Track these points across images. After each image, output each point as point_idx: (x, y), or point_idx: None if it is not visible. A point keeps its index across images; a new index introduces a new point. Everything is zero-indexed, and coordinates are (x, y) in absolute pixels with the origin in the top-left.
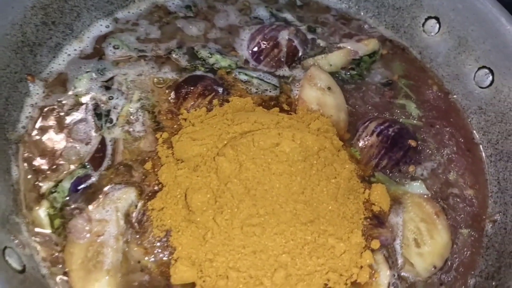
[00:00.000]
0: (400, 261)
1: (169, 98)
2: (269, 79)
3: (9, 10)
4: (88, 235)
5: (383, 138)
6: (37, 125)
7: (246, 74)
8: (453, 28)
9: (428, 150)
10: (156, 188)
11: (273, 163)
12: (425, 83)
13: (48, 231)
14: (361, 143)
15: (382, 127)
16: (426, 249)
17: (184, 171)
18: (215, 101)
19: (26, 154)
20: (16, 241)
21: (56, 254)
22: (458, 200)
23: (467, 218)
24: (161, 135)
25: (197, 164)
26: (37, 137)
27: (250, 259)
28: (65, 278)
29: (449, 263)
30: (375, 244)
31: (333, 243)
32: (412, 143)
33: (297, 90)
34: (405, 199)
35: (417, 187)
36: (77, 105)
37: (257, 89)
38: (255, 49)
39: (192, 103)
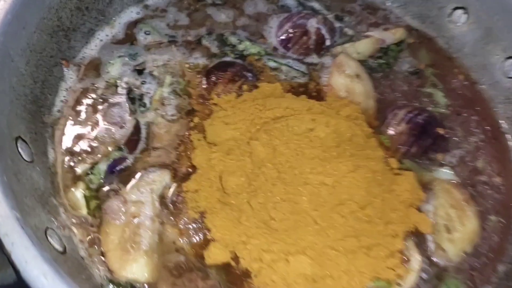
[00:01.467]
0: (431, 246)
1: (200, 83)
2: (297, 66)
3: None
4: (123, 217)
5: (412, 126)
6: (72, 108)
7: (275, 61)
8: (480, 18)
9: (455, 138)
10: (190, 170)
11: (307, 148)
12: (452, 72)
13: (84, 213)
14: (390, 130)
15: (411, 115)
16: (456, 235)
17: (218, 154)
18: (244, 87)
19: (62, 137)
20: (56, 223)
21: (92, 235)
22: (486, 187)
23: (495, 205)
24: (192, 120)
25: (231, 147)
26: (72, 121)
27: (283, 242)
28: (103, 258)
29: (479, 249)
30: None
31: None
32: (441, 131)
33: (326, 77)
34: (435, 185)
35: (446, 174)
36: (110, 89)
37: (286, 75)
38: (284, 36)
39: (222, 88)
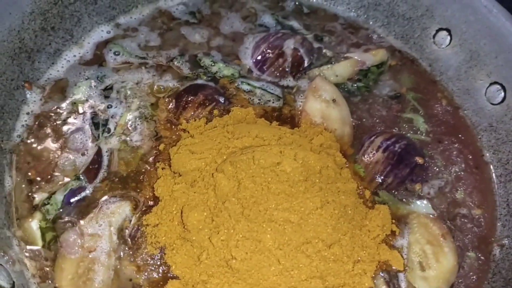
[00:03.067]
0: (403, 285)
1: (169, 107)
2: (272, 89)
3: (7, 16)
4: (80, 250)
5: (389, 154)
6: (33, 134)
7: (248, 84)
8: (465, 41)
9: (435, 167)
10: (151, 202)
11: (273, 183)
12: (434, 97)
13: (39, 246)
14: (366, 159)
15: (388, 142)
16: (431, 273)
17: (181, 186)
18: (215, 111)
19: (20, 164)
20: (6, 257)
21: (46, 269)
22: (466, 220)
23: (474, 240)
24: (158, 146)
25: (195, 179)
26: (32, 146)
27: (245, 282)
28: None
29: None
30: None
31: (334, 269)
32: (419, 160)
33: (301, 102)
34: (411, 219)
35: (424, 207)
36: (74, 113)
37: (259, 99)
38: (259, 57)
39: (192, 113)
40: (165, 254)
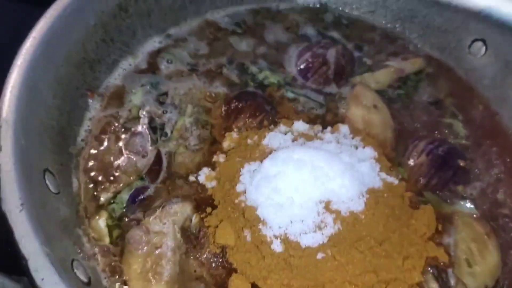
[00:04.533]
0: (452, 280)
1: (221, 114)
2: (315, 96)
3: (74, 28)
4: (146, 247)
5: (433, 157)
6: (95, 138)
7: (293, 92)
8: (500, 51)
9: (476, 170)
10: (212, 201)
11: None
12: (471, 103)
13: (106, 242)
14: (410, 162)
15: (431, 146)
16: (477, 269)
17: (233, 191)
18: (265, 122)
19: (85, 166)
20: (81, 254)
21: (115, 264)
22: (507, 220)
23: None
24: (216, 151)
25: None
26: (96, 150)
27: (303, 277)
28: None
29: (500, 283)
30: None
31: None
32: (462, 163)
33: (343, 109)
34: (456, 219)
35: (467, 207)
36: (132, 118)
37: (303, 107)
38: (303, 66)
39: (242, 123)
40: (227, 252)
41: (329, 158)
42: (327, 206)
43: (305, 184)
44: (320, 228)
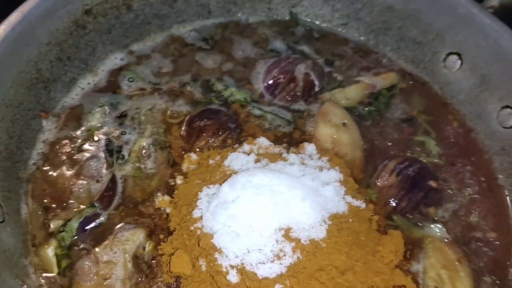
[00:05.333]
0: None
1: (182, 134)
2: (283, 114)
3: (24, 48)
4: (95, 277)
5: (403, 178)
6: (49, 161)
7: (259, 109)
8: (476, 65)
9: (449, 191)
10: (167, 227)
11: None
12: (445, 120)
13: (54, 272)
14: (379, 183)
15: (401, 166)
16: None
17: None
18: (229, 141)
19: (36, 192)
20: (25, 286)
21: None
22: (481, 244)
23: (490, 264)
24: (173, 174)
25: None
26: (48, 174)
27: None
28: None
29: None
30: None
31: None
32: (433, 183)
33: (312, 127)
34: (426, 243)
35: (438, 231)
36: (89, 140)
37: (270, 124)
38: (271, 82)
39: (204, 142)
40: (180, 283)
41: (290, 182)
42: (287, 234)
43: (263, 210)
44: (278, 258)
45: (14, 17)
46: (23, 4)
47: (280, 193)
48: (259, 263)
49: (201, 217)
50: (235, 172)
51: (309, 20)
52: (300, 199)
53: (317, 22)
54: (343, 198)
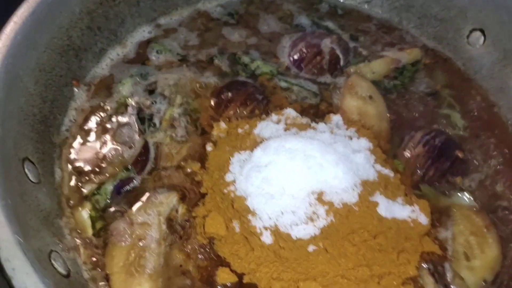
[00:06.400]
0: (449, 274)
1: (211, 104)
2: (309, 86)
3: (57, 15)
4: (129, 239)
5: (429, 148)
6: (81, 128)
7: (286, 81)
8: (499, 40)
9: (474, 161)
10: (199, 192)
11: None
12: (469, 94)
13: (89, 234)
14: (406, 153)
15: (428, 137)
16: (476, 263)
17: (223, 181)
18: (256, 111)
19: (69, 156)
20: (61, 245)
21: (97, 257)
22: (507, 212)
23: None
24: (204, 141)
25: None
26: (81, 140)
27: (294, 270)
28: (107, 281)
29: (500, 278)
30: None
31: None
32: (459, 153)
33: (338, 99)
34: (454, 211)
35: (466, 199)
36: (120, 109)
37: (296, 96)
38: (297, 56)
39: (233, 112)
40: (214, 244)
41: (322, 148)
42: (320, 197)
43: (297, 174)
44: (312, 220)
45: None
46: None
47: (313, 158)
48: (293, 224)
49: (234, 181)
50: (266, 139)
51: None
52: (333, 163)
53: (341, 0)
54: (373, 166)
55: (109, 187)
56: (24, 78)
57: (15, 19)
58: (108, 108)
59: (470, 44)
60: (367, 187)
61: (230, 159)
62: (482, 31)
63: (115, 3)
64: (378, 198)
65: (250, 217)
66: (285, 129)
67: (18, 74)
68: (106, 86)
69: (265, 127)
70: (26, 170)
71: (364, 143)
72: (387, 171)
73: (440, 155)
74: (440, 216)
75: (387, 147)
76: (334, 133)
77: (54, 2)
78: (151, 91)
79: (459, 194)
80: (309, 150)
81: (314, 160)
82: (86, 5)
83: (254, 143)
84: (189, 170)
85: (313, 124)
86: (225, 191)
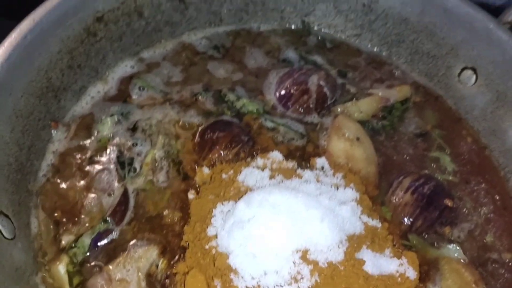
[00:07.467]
0: None
1: (194, 146)
2: (296, 126)
3: (36, 57)
4: None
5: (418, 196)
6: (59, 173)
7: (272, 121)
8: (492, 81)
9: (464, 209)
10: (179, 244)
11: None
12: (460, 135)
13: None
14: (394, 200)
15: (417, 183)
16: None
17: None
18: (242, 154)
19: (46, 205)
20: None
21: None
22: (497, 265)
23: (506, 286)
24: (185, 188)
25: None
26: (58, 186)
27: None
28: None
29: None
30: None
31: None
32: (449, 202)
33: (325, 141)
34: (442, 264)
35: (454, 251)
36: (100, 151)
37: (283, 137)
38: (283, 93)
39: (217, 155)
40: None
41: (307, 201)
42: (304, 255)
43: (280, 230)
44: (296, 280)
45: (25, 24)
46: (34, 11)
47: (298, 213)
48: (276, 285)
49: (215, 236)
50: (250, 189)
51: (321, 29)
52: (319, 219)
53: (329, 32)
54: (360, 217)
55: (87, 240)
56: (0, 126)
57: None
58: (88, 150)
59: (461, 83)
60: (353, 243)
61: (212, 210)
62: (474, 69)
63: (97, 40)
64: (365, 253)
65: (232, 276)
66: (270, 177)
67: None
68: (85, 126)
69: (250, 174)
70: (0, 227)
71: (350, 193)
72: (374, 222)
73: (429, 203)
74: (428, 269)
75: (375, 193)
76: (320, 181)
77: (32, 44)
78: (132, 132)
79: (448, 246)
80: (294, 204)
81: (298, 216)
82: (67, 45)
83: (238, 192)
84: (169, 220)
85: (299, 171)
86: (207, 246)
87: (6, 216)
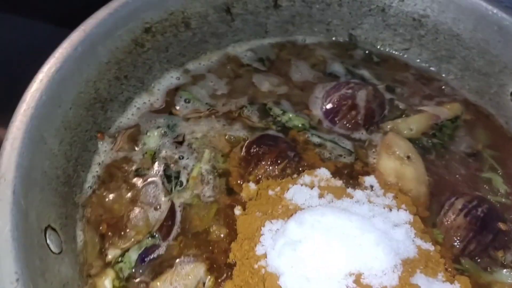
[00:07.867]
0: None
1: (240, 161)
2: (343, 143)
3: (85, 68)
4: None
5: (471, 219)
6: (105, 185)
7: (319, 137)
8: None
9: None
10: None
11: None
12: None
13: None
14: (446, 223)
15: (470, 205)
16: None
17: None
18: (288, 170)
19: (92, 218)
20: None
21: None
22: None
23: None
24: (233, 204)
25: None
26: (104, 199)
27: None
28: None
29: None
30: None
31: None
32: (502, 226)
33: (374, 158)
34: None
35: (508, 276)
36: (146, 164)
37: (330, 153)
38: (330, 108)
39: (263, 171)
40: None
41: (361, 225)
42: (358, 280)
43: (334, 254)
44: None
45: (76, 36)
46: (84, 22)
47: (352, 237)
48: None
49: (265, 255)
50: (299, 207)
51: (368, 43)
52: (374, 243)
53: (377, 46)
54: (413, 241)
55: (134, 256)
56: (49, 139)
57: (40, 76)
58: (134, 163)
59: None
60: (408, 267)
61: (261, 228)
62: None
63: (144, 50)
64: (419, 278)
65: None
66: (320, 195)
67: (42, 136)
68: (131, 138)
69: (298, 191)
70: (48, 241)
71: (404, 215)
72: (427, 245)
73: (482, 227)
74: None
75: (426, 215)
76: (372, 202)
77: (83, 56)
78: (178, 144)
79: (501, 271)
80: (348, 228)
81: (353, 240)
82: (115, 55)
83: (286, 210)
84: (215, 236)
85: (349, 190)
86: (256, 266)
87: (54, 229)
